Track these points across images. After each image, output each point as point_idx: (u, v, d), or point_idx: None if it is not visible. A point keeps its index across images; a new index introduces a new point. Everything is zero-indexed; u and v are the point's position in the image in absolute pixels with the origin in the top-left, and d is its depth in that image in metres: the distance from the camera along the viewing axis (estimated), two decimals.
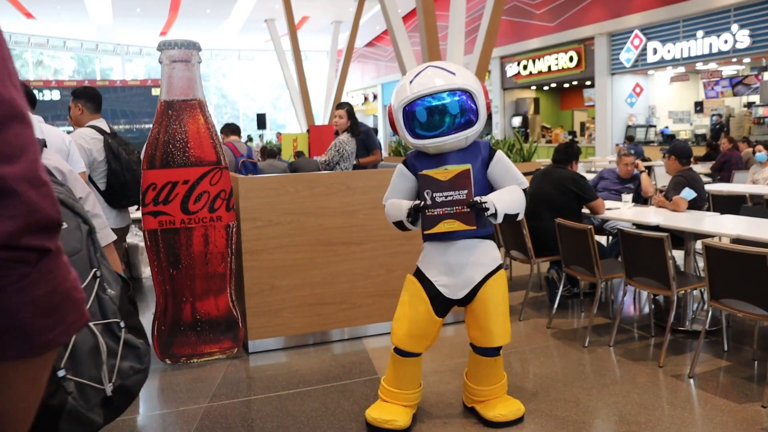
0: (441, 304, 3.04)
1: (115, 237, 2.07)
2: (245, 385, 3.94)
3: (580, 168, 11.51)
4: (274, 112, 35.79)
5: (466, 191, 2.83)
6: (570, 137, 19.19)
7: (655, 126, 17.44)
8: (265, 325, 4.44)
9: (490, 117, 22.32)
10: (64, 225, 1.24)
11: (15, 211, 0.67)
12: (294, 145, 10.91)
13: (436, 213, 2.85)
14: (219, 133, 6.68)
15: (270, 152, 9.42)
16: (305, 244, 4.46)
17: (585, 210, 5.41)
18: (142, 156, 4.16)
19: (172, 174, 4.02)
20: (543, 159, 12.15)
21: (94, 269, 1.29)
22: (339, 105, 6.52)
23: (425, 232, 2.93)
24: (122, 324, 1.31)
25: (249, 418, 3.47)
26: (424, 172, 2.86)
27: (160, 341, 4.18)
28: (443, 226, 2.86)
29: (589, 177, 6.83)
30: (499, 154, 2.99)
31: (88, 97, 4.46)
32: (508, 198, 2.92)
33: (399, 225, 3.07)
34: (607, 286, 5.72)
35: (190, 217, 4.07)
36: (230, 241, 4.21)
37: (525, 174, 6.85)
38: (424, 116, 2.88)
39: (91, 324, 1.23)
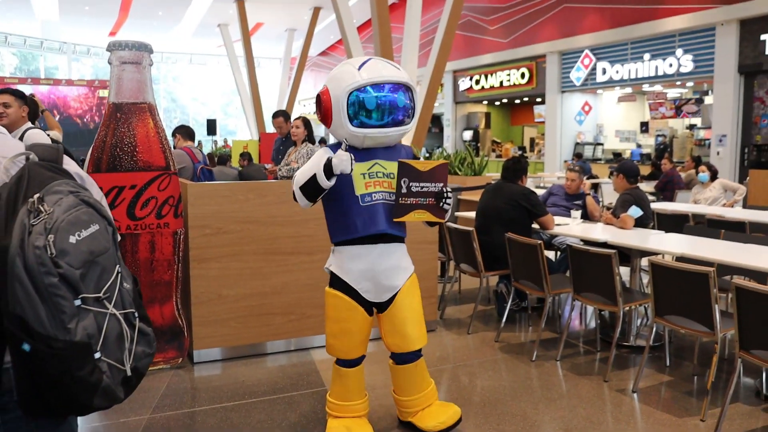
0: (367, 305, 3.03)
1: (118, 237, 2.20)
2: (189, 396, 3.85)
3: (529, 183, 11.69)
4: (224, 118, 35.42)
5: (441, 184, 2.84)
6: (520, 152, 19.50)
7: (602, 144, 17.84)
8: (211, 335, 4.37)
9: (438, 125, 22.55)
10: (96, 226, 1.41)
11: None
12: (244, 151, 10.81)
13: (409, 202, 2.82)
14: (173, 136, 6.61)
15: (220, 159, 9.31)
16: (254, 253, 4.41)
17: (534, 225, 5.48)
18: (87, 159, 4.06)
19: (119, 178, 3.92)
20: (493, 173, 12.32)
21: (117, 266, 1.47)
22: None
23: (394, 219, 2.87)
24: (136, 314, 1.52)
25: (193, 430, 3.39)
26: (404, 160, 2.83)
27: None
28: (414, 216, 2.85)
29: (539, 192, 6.93)
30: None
31: (26, 101, 4.33)
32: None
33: (306, 188, 2.82)
34: (554, 301, 5.80)
35: (136, 222, 3.98)
36: (177, 249, 4.13)
37: (475, 188, 6.92)
38: (373, 104, 2.84)
39: (117, 313, 1.42)
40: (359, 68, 2.85)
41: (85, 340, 1.33)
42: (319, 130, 30.96)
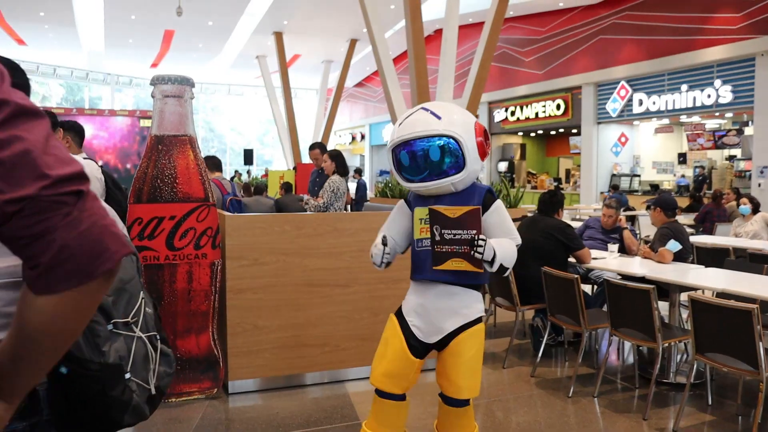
0: (417, 344, 2.97)
1: (141, 266, 2.29)
2: (224, 426, 3.86)
3: (565, 216, 11.59)
4: (261, 147, 35.88)
5: (474, 231, 2.73)
6: (555, 184, 19.37)
7: (639, 175, 17.66)
8: (246, 366, 4.38)
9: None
10: None
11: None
12: (280, 182, 10.92)
13: (444, 250, 2.78)
14: None
15: (257, 189, 9.42)
16: (290, 285, 4.43)
17: (571, 259, 5.42)
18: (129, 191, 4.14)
19: (159, 209, 3.99)
20: (528, 205, 12.25)
21: (141, 292, 1.58)
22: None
23: (434, 267, 2.86)
24: (158, 336, 1.61)
25: None
26: (435, 207, 2.81)
27: None
28: (452, 264, 2.77)
29: (575, 225, 6.87)
30: (498, 204, 2.89)
31: (76, 131, 4.46)
32: (504, 249, 2.79)
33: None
34: (591, 336, 5.71)
35: (175, 253, 4.03)
36: (214, 279, 4.17)
37: (514, 221, 6.85)
38: (407, 160, 2.85)
39: (143, 336, 1.53)
40: (401, 123, 2.89)
41: (117, 362, 1.44)
42: (354, 160, 31.25)
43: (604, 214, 6.32)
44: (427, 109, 2.90)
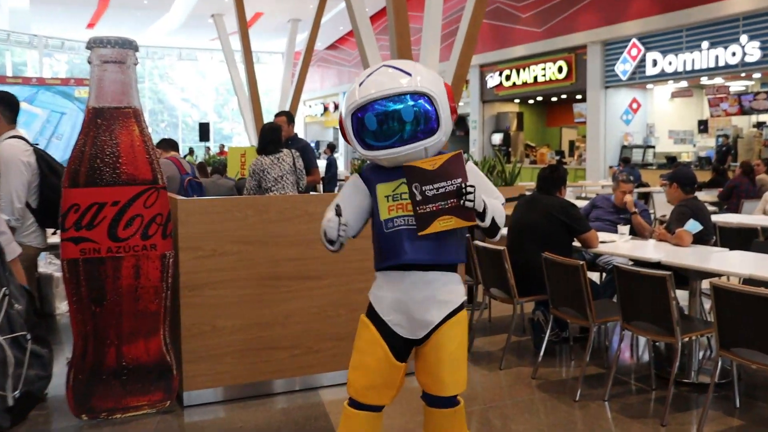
0: (400, 345, 2.96)
1: (20, 250, 2.18)
2: None
3: (569, 194, 11.64)
4: (219, 121, 35.67)
5: (459, 180, 2.73)
6: (557, 158, 19.46)
7: (653, 147, 17.77)
8: (205, 373, 4.37)
9: (463, 127, 22.52)
10: None
11: None
12: (242, 161, 10.87)
13: (428, 209, 2.72)
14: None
15: (215, 169, 9.36)
16: (254, 279, 4.41)
17: (576, 243, 5.45)
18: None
19: (100, 194, 3.95)
20: (526, 182, 12.29)
21: (4, 288, 1.42)
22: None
23: (419, 233, 2.83)
24: (28, 336, 1.46)
25: None
26: (411, 163, 2.77)
27: (76, 393, 4.05)
28: (439, 225, 2.73)
29: (580, 204, 6.90)
30: (470, 166, 2.92)
31: (5, 104, 4.39)
32: (493, 204, 2.85)
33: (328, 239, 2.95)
34: (600, 331, 5.76)
35: (119, 244, 3.99)
36: (166, 274, 4.14)
37: (508, 200, 6.89)
38: (374, 124, 2.81)
39: (1, 339, 1.30)
40: (361, 84, 2.85)
41: None
42: (326, 134, 31.20)
43: (622, 190, 6.34)
44: (392, 66, 2.89)
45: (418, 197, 2.72)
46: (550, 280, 4.94)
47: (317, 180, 7.72)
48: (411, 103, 2.79)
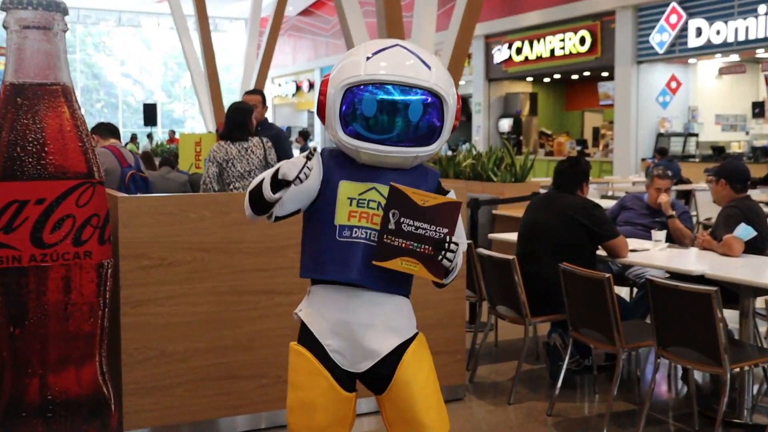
0: (343, 376, 2.93)
1: None
2: None
3: (593, 192, 11.66)
4: (168, 101, 35.59)
5: (446, 231, 2.75)
6: (578, 149, 19.53)
7: (696, 135, 17.80)
8: (150, 409, 4.36)
9: (465, 111, 22.50)
10: None
11: None
12: (197, 150, 10.83)
13: (396, 243, 2.74)
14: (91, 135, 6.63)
15: (164, 160, 9.34)
16: (212, 293, 4.41)
17: (601, 252, 5.46)
18: None
19: (21, 189, 3.91)
20: (541, 178, 12.33)
21: None
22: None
23: (374, 262, 2.82)
24: None
25: None
26: (400, 186, 2.75)
27: None
28: (399, 264, 2.75)
29: (606, 205, 6.92)
30: (451, 196, 2.91)
31: None
32: (459, 260, 2.85)
33: (253, 198, 2.90)
34: (630, 358, 5.77)
35: (44, 252, 3.96)
36: (103, 288, 4.11)
37: (517, 200, 6.91)
38: (373, 110, 2.79)
39: None
40: (371, 56, 2.83)
41: None
42: (299, 119, 31.18)
43: (656, 187, 6.34)
44: (407, 48, 2.88)
45: (391, 225, 2.72)
46: (569, 296, 4.95)
47: None
48: (422, 99, 2.80)
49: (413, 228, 2.74)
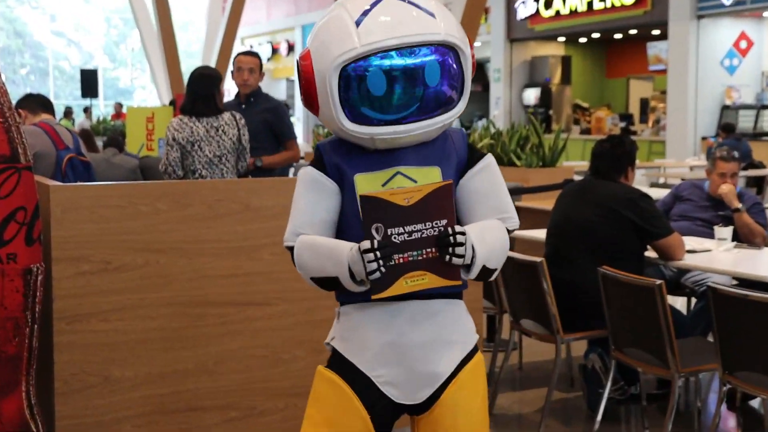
0: (384, 415, 2.92)
1: None
2: None
3: (640, 179, 11.67)
4: (112, 67, 35.53)
5: (445, 221, 2.70)
6: (622, 125, 19.51)
7: None
8: None
9: (481, 79, 22.39)
10: None
11: None
12: (148, 128, 10.83)
13: (391, 263, 2.67)
14: (16, 109, 6.61)
15: (110, 140, 9.34)
16: (168, 305, 4.41)
17: (650, 252, 5.47)
18: None
19: None
20: (575, 162, 12.33)
21: None
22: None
23: (374, 297, 2.78)
24: None
25: None
26: (369, 193, 2.70)
27: None
28: (405, 285, 2.70)
29: (657, 195, 6.92)
30: (489, 160, 2.95)
31: None
32: (491, 240, 2.81)
33: (327, 284, 2.88)
34: (689, 385, 5.78)
35: None
36: (31, 300, 4.12)
37: (545, 189, 6.94)
38: (382, 86, 2.76)
39: None
40: (360, 19, 2.76)
41: None
42: (276, 89, 31.13)
43: (719, 171, 6.34)
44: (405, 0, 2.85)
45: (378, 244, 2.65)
46: (610, 307, 4.96)
47: (296, 156, 7.64)
48: (436, 58, 2.78)
49: (406, 236, 2.69)
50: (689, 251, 5.50)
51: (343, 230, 2.90)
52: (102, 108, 26.73)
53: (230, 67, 7.62)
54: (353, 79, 2.76)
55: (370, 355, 2.88)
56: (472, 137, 10.89)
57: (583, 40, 21.98)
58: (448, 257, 2.66)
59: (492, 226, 2.83)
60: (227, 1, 20.86)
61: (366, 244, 2.60)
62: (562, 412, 5.61)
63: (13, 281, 4.06)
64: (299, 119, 27.47)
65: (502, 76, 21.80)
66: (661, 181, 13.13)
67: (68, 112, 24.02)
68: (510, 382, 6.16)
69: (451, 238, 2.65)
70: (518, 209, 8.76)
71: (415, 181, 2.81)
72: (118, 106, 25.89)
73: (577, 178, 7.46)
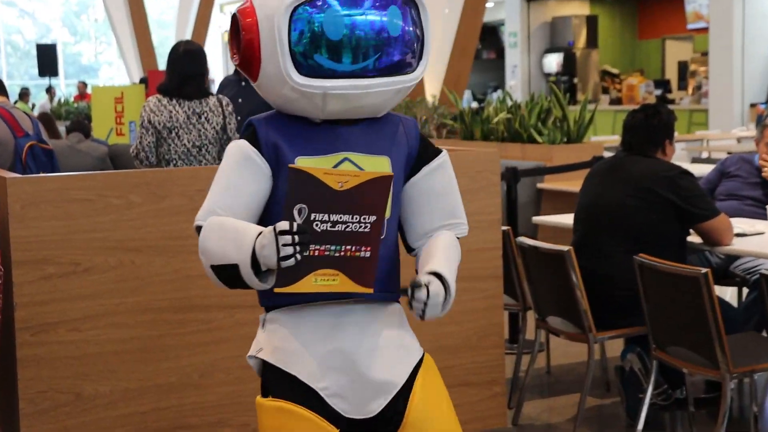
0: (345, 427, 2.90)
1: None
2: None
3: (680, 154, 11.65)
4: (74, 42, 35.52)
5: (374, 218, 2.67)
6: (658, 93, 19.49)
7: None
8: None
9: (494, 44, 22.25)
10: None
11: None
12: (117, 110, 10.85)
13: (306, 254, 2.59)
14: None
15: (74, 124, 9.34)
16: (145, 310, 4.43)
17: (693, 237, 5.48)
18: None
19: None
20: (604, 136, 12.32)
21: None
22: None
23: (276, 289, 2.66)
24: None
25: None
26: (302, 167, 2.65)
27: None
28: (313, 282, 2.67)
29: (700, 172, 6.92)
30: (445, 157, 2.96)
31: None
32: (454, 267, 2.86)
33: (225, 275, 2.80)
34: (742, 388, 5.79)
35: None
36: None
37: (571, 168, 6.96)
38: (340, 32, 2.76)
39: None
40: None
41: None
42: None
43: (765, 141, 6.32)
44: None
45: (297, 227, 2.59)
46: (649, 301, 4.97)
47: None
48: (398, 9, 2.80)
49: (329, 225, 2.63)
50: (738, 234, 5.49)
51: (266, 221, 2.82)
52: (63, 88, 26.72)
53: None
54: (305, 21, 2.75)
55: (313, 365, 2.85)
56: (486, 111, 10.88)
57: None
58: (422, 308, 2.66)
59: (448, 243, 2.90)
60: None
61: (284, 224, 2.52)
62: (598, 420, 5.62)
63: None
64: None
65: (519, 40, 21.77)
66: (704, 155, 13.12)
67: (24, 94, 23.96)
68: (537, 388, 6.16)
69: (419, 283, 2.66)
70: (540, 192, 8.78)
71: (363, 169, 2.80)
72: (82, 85, 25.85)
73: (607, 154, 7.46)
